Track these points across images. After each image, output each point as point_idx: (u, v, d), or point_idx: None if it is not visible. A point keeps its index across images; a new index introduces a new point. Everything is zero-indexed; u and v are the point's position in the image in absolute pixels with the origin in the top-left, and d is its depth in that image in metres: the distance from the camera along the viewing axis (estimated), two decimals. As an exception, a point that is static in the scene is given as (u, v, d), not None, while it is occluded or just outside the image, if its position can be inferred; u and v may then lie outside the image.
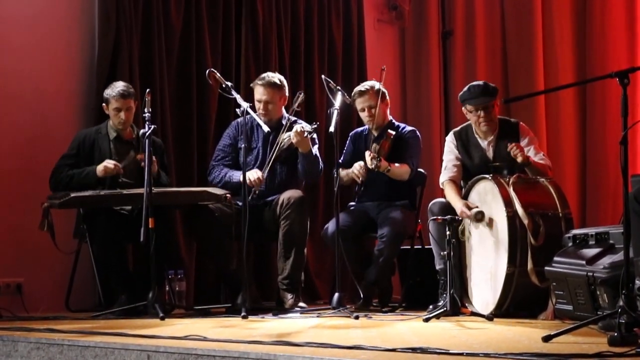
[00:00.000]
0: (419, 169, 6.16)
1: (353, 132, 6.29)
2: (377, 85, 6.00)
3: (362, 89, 6.04)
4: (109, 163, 5.62)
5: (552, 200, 5.16)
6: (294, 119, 6.04)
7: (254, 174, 5.79)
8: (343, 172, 5.88)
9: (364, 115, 6.05)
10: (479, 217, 5.18)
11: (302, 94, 5.96)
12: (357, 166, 5.85)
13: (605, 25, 7.16)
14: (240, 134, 5.70)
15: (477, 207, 5.22)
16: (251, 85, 6.11)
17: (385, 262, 5.80)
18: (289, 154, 5.95)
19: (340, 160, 5.82)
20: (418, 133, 6.13)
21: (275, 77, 6.03)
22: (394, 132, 5.92)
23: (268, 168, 5.88)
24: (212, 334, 4.10)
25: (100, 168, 5.62)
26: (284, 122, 6.00)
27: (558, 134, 7.36)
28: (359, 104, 6.03)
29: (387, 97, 6.06)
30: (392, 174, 5.84)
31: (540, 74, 7.41)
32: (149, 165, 5.27)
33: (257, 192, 5.79)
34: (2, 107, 5.97)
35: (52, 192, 5.61)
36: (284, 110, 6.07)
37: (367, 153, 5.78)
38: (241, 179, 5.50)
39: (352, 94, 6.00)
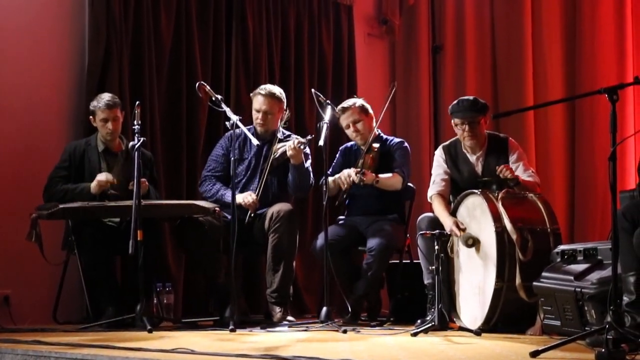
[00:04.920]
0: (409, 184, 6.17)
1: (343, 146, 6.29)
2: (358, 101, 6.07)
3: (345, 105, 6.09)
4: (101, 176, 5.61)
5: (541, 215, 5.16)
6: (287, 133, 6.07)
7: (248, 198, 5.81)
8: (330, 179, 5.89)
9: (349, 132, 6.07)
10: (470, 242, 5.16)
11: (287, 111, 6.01)
12: (346, 173, 5.85)
13: (595, 42, 7.20)
14: (231, 146, 5.71)
15: (465, 227, 5.21)
16: (250, 94, 6.12)
17: (373, 276, 5.80)
18: (280, 165, 5.95)
19: (329, 172, 5.85)
20: (406, 144, 6.15)
21: (276, 89, 6.06)
22: (377, 145, 5.94)
23: (262, 184, 5.89)
24: (200, 347, 4.09)
25: (93, 184, 5.61)
26: (278, 135, 6.01)
27: (547, 149, 7.39)
28: (343, 120, 6.05)
29: (371, 111, 6.08)
30: (382, 185, 5.86)
31: (529, 89, 7.44)
32: (138, 177, 5.26)
33: (252, 214, 5.83)
34: (-9, 118, 5.97)
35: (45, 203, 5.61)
36: (279, 124, 6.08)
37: (351, 170, 5.80)
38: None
39: (336, 111, 6.00)
